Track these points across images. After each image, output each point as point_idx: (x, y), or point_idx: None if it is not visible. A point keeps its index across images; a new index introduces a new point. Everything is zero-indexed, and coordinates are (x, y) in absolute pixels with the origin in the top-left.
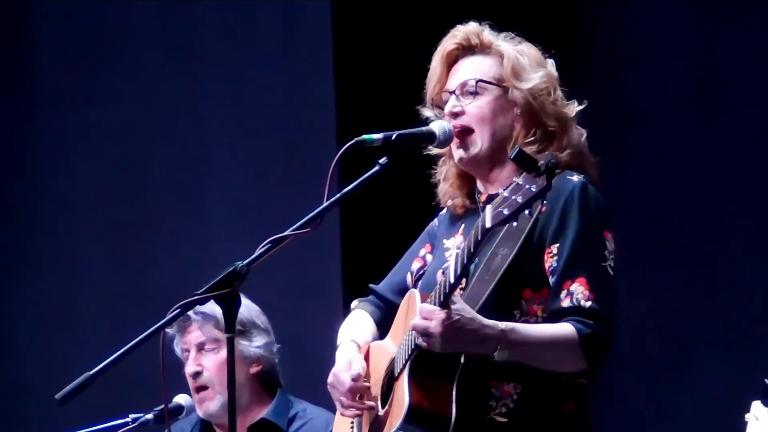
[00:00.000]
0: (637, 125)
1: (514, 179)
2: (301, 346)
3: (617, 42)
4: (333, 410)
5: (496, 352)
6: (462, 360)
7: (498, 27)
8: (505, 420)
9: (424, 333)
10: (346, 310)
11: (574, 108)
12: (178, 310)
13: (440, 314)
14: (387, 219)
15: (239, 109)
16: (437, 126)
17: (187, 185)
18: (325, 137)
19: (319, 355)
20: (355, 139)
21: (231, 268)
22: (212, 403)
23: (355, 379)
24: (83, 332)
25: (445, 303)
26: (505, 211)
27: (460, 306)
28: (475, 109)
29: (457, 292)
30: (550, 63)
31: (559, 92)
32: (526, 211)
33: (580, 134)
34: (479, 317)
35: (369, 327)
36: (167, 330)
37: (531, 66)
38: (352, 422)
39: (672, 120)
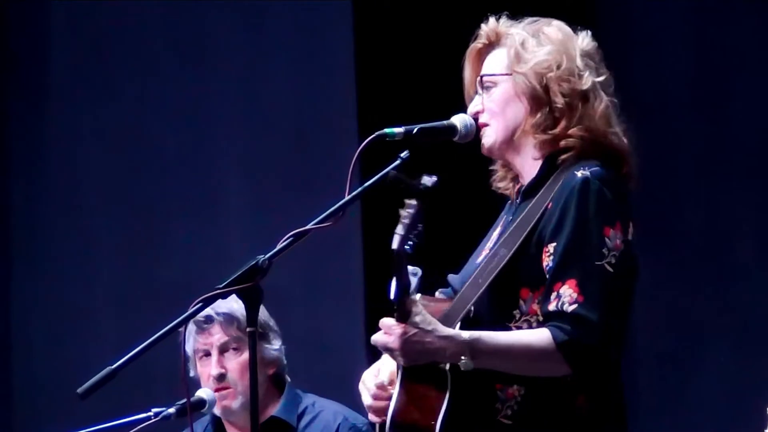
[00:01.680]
0: (648, 121)
1: (405, 200)
2: (322, 341)
3: (628, 38)
4: (346, 403)
5: (461, 362)
6: (447, 367)
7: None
8: (510, 422)
9: (385, 348)
10: (367, 303)
11: (588, 79)
12: (201, 304)
13: (397, 329)
14: None
15: (254, 106)
16: (459, 119)
17: (201, 182)
18: (343, 132)
19: (339, 349)
20: (377, 132)
21: (252, 262)
22: (234, 402)
23: (379, 387)
24: (97, 328)
25: (401, 316)
26: (400, 232)
27: (421, 318)
28: (489, 103)
29: (441, 300)
30: (572, 37)
31: (571, 65)
32: (412, 235)
33: (599, 107)
34: (440, 329)
35: None
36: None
37: (538, 44)
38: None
39: (682, 114)
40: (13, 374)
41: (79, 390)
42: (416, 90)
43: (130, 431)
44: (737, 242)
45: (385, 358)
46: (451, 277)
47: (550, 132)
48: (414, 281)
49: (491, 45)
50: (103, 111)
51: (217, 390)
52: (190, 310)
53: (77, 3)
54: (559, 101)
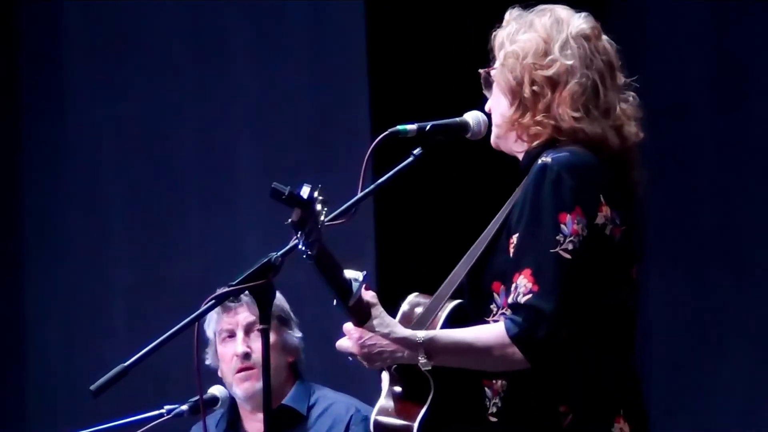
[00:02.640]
0: (665, 121)
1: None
2: (334, 340)
3: (643, 36)
4: (359, 397)
5: (419, 363)
6: (424, 368)
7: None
8: (496, 420)
9: (347, 353)
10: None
11: (557, 64)
12: (213, 301)
13: (354, 334)
14: (421, 209)
15: (268, 104)
16: (471, 117)
17: (215, 180)
18: (357, 130)
19: None
20: (389, 130)
21: (265, 259)
22: (258, 383)
23: None
24: (110, 326)
25: (360, 320)
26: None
27: (378, 321)
28: (491, 100)
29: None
30: (561, 22)
31: (545, 50)
32: (301, 243)
33: (566, 92)
34: (397, 330)
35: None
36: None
37: (523, 34)
38: None
39: (699, 114)
40: (27, 371)
41: (92, 387)
42: (429, 87)
43: (143, 428)
44: (756, 243)
45: None
46: None
47: (518, 123)
48: (355, 285)
49: None
50: (117, 109)
51: (240, 370)
52: (203, 308)
53: (92, 2)
54: (527, 91)
